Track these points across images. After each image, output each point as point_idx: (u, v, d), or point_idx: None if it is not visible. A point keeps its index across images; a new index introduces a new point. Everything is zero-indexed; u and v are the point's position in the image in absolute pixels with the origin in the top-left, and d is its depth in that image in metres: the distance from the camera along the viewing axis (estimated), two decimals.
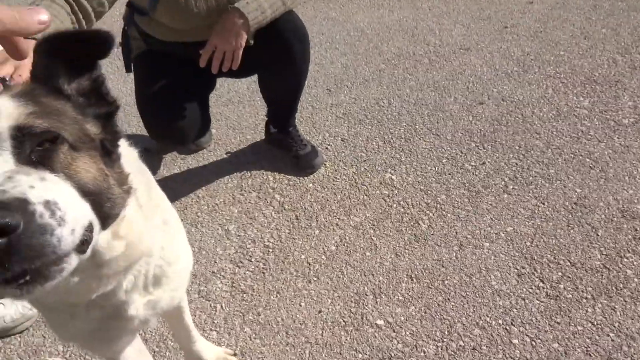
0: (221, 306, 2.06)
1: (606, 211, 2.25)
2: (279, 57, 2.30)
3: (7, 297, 0.93)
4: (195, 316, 2.00)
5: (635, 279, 1.97)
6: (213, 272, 2.18)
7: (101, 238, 0.84)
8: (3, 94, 0.83)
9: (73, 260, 0.73)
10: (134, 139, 1.09)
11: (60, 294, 0.90)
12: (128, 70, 2.47)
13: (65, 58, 0.86)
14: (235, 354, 1.87)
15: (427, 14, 3.98)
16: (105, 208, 0.84)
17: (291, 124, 2.68)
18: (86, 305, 1.00)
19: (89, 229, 0.76)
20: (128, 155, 1.00)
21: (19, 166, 0.74)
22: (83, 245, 0.74)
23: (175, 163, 2.76)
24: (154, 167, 2.70)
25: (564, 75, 3.11)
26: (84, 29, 0.83)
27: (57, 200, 0.71)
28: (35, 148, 0.77)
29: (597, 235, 2.16)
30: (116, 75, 3.50)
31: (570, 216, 2.25)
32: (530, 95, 2.99)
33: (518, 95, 3.00)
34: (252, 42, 2.16)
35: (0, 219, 0.62)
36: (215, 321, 2.01)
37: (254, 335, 1.95)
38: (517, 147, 2.64)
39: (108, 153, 0.89)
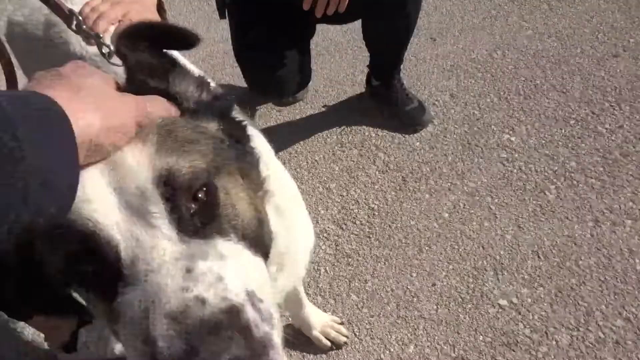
0: (325, 270, 1.93)
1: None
2: None
3: None
4: None
5: None
6: (316, 232, 2.05)
7: None
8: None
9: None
10: (225, 89, 0.93)
11: None
12: (222, 16, 2.29)
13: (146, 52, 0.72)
14: (342, 323, 1.76)
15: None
16: (265, 244, 0.75)
17: (395, 76, 2.43)
18: None
19: None
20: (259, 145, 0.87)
21: (185, 241, 0.60)
22: None
23: (270, 115, 2.62)
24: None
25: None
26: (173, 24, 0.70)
27: (252, 287, 0.60)
28: (192, 205, 0.63)
29: None
30: (202, 21, 3.36)
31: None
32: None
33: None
34: None
35: (227, 352, 0.53)
36: (320, 285, 1.89)
37: (361, 304, 1.82)
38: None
39: (241, 154, 0.76)
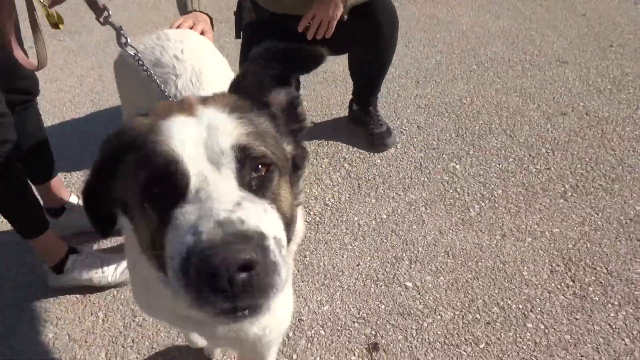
0: None
1: None
2: (368, 35, 2.55)
3: (217, 324, 1.00)
4: None
5: None
6: None
7: None
8: (210, 104, 0.91)
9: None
10: None
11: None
12: (237, 36, 2.85)
13: (275, 71, 0.92)
14: None
15: (533, 24, 3.99)
16: (290, 234, 0.87)
17: (372, 103, 2.92)
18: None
19: None
20: None
21: (242, 191, 0.80)
22: None
23: None
24: None
25: None
26: (300, 45, 0.98)
27: (280, 236, 0.76)
28: (253, 174, 0.82)
29: None
30: (227, 40, 3.95)
31: (621, 230, 2.28)
32: (616, 113, 2.97)
33: (604, 111, 2.99)
34: (346, 17, 2.43)
35: (246, 253, 0.67)
36: None
37: (295, 271, 2.24)
38: (587, 159, 2.67)
39: (295, 170, 0.95)
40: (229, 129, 0.83)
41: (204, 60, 1.63)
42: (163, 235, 0.78)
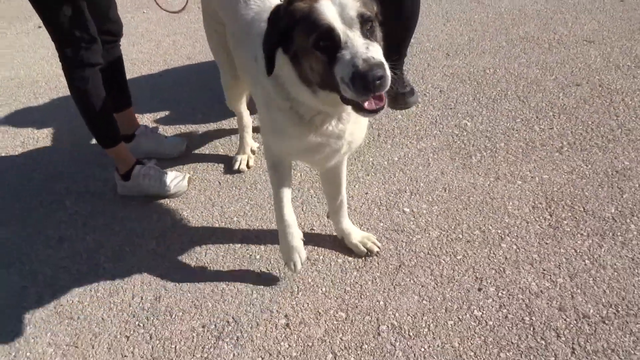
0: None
1: None
2: (393, 3, 2.93)
3: (363, 113, 1.49)
4: None
5: (636, 232, 2.24)
6: None
7: None
8: None
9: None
10: None
11: (327, 108, 1.67)
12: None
13: None
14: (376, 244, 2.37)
15: (569, 7, 4.19)
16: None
17: (398, 67, 3.29)
18: (320, 127, 1.74)
19: None
20: None
21: (365, 39, 1.43)
22: None
23: None
24: None
25: None
26: None
27: (384, 62, 1.41)
28: (366, 27, 1.46)
29: (622, 196, 2.42)
30: None
31: (606, 179, 2.53)
32: (629, 86, 3.16)
33: (617, 84, 3.20)
34: None
35: (379, 72, 1.34)
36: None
37: (312, 193, 2.67)
38: (589, 122, 2.91)
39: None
40: (351, 4, 1.45)
41: None
42: (332, 67, 1.43)
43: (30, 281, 2.39)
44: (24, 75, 4.16)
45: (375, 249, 2.29)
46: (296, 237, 2.08)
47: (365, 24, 1.44)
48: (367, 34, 1.44)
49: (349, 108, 1.57)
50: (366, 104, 1.44)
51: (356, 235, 2.32)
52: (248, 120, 2.91)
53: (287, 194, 2.04)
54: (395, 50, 3.23)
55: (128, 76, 3.98)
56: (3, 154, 3.29)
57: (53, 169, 3.09)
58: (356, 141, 1.93)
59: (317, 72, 1.51)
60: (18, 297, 2.32)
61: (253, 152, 2.98)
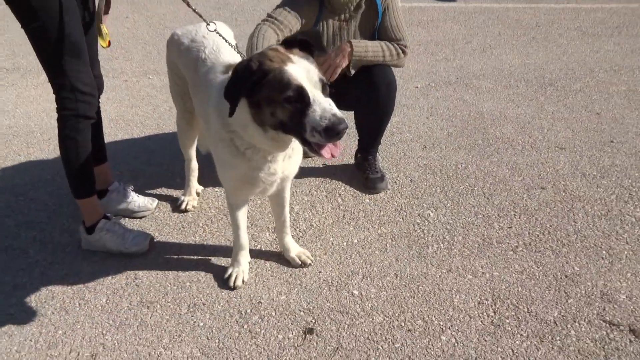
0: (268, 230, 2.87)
1: (588, 290, 2.51)
2: (367, 96, 3.12)
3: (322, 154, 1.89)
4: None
5: (574, 338, 2.24)
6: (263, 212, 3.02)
7: None
8: (295, 55, 1.86)
9: None
10: None
11: (270, 143, 2.03)
12: None
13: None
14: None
15: (548, 114, 4.39)
16: None
17: (371, 153, 3.44)
18: (252, 159, 2.14)
19: None
20: None
21: (326, 97, 1.81)
22: None
23: None
24: None
25: (636, 189, 3.30)
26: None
27: (340, 115, 1.77)
28: (325, 89, 1.83)
29: (567, 301, 2.45)
30: None
31: (554, 282, 2.56)
32: (591, 195, 3.26)
33: (581, 191, 3.30)
34: (352, 72, 3.03)
35: (344, 126, 1.74)
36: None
37: (269, 265, 2.71)
38: (548, 225, 2.99)
39: None
40: (313, 69, 1.82)
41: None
42: (301, 119, 1.78)
43: None
44: (22, 124, 4.37)
45: (309, 262, 2.72)
46: (245, 256, 2.65)
47: (324, 86, 1.82)
48: (325, 94, 1.82)
49: (288, 147, 2.11)
50: (330, 147, 1.89)
51: (294, 250, 2.75)
52: (195, 165, 3.26)
53: (243, 220, 2.57)
54: (370, 139, 3.40)
55: (121, 135, 4.18)
56: None
57: (25, 217, 3.18)
58: (290, 175, 2.41)
59: (278, 118, 1.85)
60: None
61: (198, 194, 3.32)
